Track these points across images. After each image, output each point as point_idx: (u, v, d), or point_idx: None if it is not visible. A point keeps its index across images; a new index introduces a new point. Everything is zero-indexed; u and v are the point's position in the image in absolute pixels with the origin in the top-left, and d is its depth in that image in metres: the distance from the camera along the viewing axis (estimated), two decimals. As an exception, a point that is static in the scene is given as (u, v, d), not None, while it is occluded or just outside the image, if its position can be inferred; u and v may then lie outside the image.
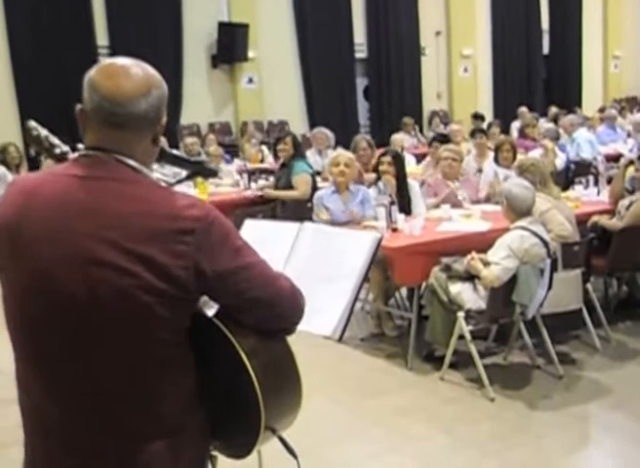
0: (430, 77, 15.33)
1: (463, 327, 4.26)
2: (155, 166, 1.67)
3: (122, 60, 1.52)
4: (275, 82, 13.14)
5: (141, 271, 1.41)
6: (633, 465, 3.50)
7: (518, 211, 4.27)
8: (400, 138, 9.39)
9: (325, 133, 9.31)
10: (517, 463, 3.53)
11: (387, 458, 3.65)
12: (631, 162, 5.39)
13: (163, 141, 1.95)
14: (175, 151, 1.89)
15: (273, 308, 1.55)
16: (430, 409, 4.17)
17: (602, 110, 12.53)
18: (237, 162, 9.52)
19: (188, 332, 1.52)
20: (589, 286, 4.89)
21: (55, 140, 1.70)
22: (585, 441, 3.84)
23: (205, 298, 1.55)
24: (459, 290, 4.36)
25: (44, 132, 1.71)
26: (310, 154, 8.91)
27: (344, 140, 10.05)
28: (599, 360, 4.73)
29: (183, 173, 1.90)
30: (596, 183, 6.40)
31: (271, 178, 7.50)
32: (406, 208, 5.44)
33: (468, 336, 4.27)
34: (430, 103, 15.38)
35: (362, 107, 14.82)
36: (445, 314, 4.45)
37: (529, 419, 4.03)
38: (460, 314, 4.27)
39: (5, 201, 1.52)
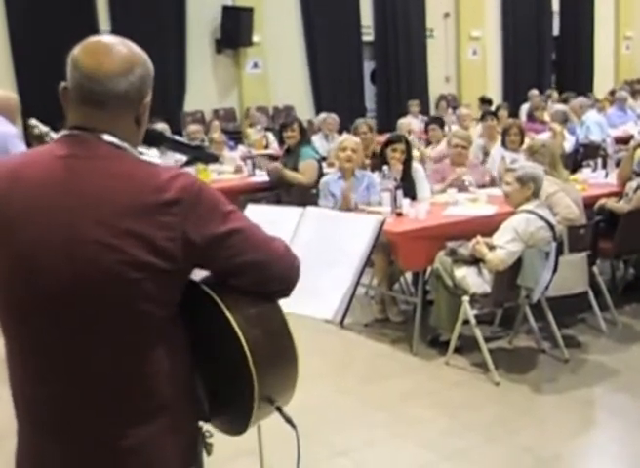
0: (438, 60, 15.20)
1: (468, 311, 4.24)
2: (156, 152, 1.66)
3: (107, 38, 1.51)
4: (280, 67, 13.03)
5: (127, 246, 1.39)
6: (638, 447, 3.48)
7: (534, 192, 4.23)
8: (407, 122, 9.32)
9: (335, 118, 9.30)
10: (522, 447, 3.52)
11: (392, 443, 3.64)
12: (640, 145, 5.34)
13: (165, 127, 1.94)
14: (175, 136, 1.87)
15: (267, 270, 1.53)
16: (435, 394, 4.16)
17: (612, 93, 12.39)
18: (241, 148, 9.46)
19: (179, 308, 1.51)
20: (596, 269, 4.86)
21: (54, 136, 1.70)
22: (591, 424, 3.83)
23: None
24: (464, 274, 4.34)
25: (44, 128, 1.73)
26: (317, 139, 8.88)
27: (351, 125, 10.00)
28: (605, 343, 4.71)
29: (184, 158, 1.89)
30: (604, 166, 6.34)
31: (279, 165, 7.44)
32: (411, 192, 5.41)
33: (473, 321, 4.25)
34: (438, 87, 15.26)
35: (369, 91, 14.72)
36: (450, 299, 4.43)
37: (534, 403, 4.02)
38: (465, 298, 4.25)
39: None
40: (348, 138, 5.55)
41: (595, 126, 8.43)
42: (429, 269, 4.73)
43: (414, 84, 14.58)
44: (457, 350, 4.54)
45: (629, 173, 5.34)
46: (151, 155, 1.61)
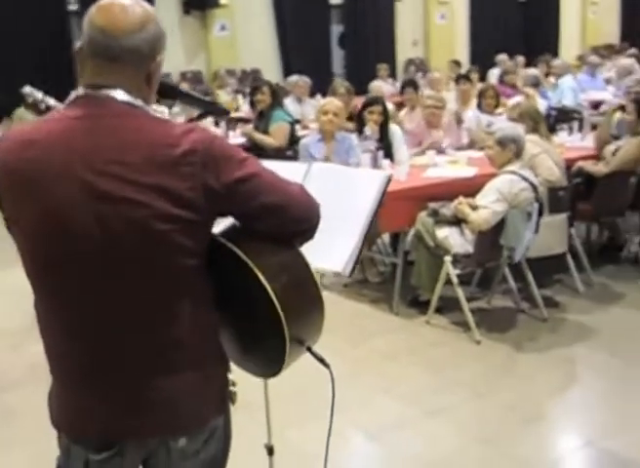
0: (406, 24, 15.11)
1: (451, 271, 4.28)
2: (165, 109, 1.66)
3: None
4: (248, 29, 12.83)
5: (152, 200, 1.42)
6: (619, 404, 3.57)
7: (517, 152, 4.25)
8: (379, 86, 9.30)
9: (306, 81, 9.21)
10: (506, 403, 3.59)
11: (378, 400, 3.68)
12: (621, 107, 5.38)
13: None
14: (191, 91, 1.88)
15: (286, 210, 1.56)
16: (418, 353, 4.22)
17: (580, 58, 12.48)
18: (212, 110, 9.31)
19: (205, 258, 1.53)
20: (573, 231, 4.93)
21: (50, 102, 1.72)
22: (572, 381, 3.91)
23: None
24: (446, 234, 4.37)
25: (39, 95, 1.74)
26: (289, 102, 8.78)
27: (318, 88, 9.97)
28: (582, 303, 4.80)
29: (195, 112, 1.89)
30: (580, 129, 6.40)
31: (249, 127, 7.35)
32: (388, 154, 5.40)
33: (455, 280, 4.29)
34: (406, 51, 15.19)
35: (336, 55, 14.60)
36: (431, 259, 4.47)
37: (515, 361, 4.09)
38: (448, 258, 4.28)
39: (4, 148, 1.51)
40: (331, 101, 5.46)
41: (570, 91, 8.48)
42: (409, 230, 4.75)
43: (382, 48, 14.48)
44: (436, 310, 4.59)
45: (607, 136, 5.40)
46: (161, 111, 1.61)
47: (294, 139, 6.62)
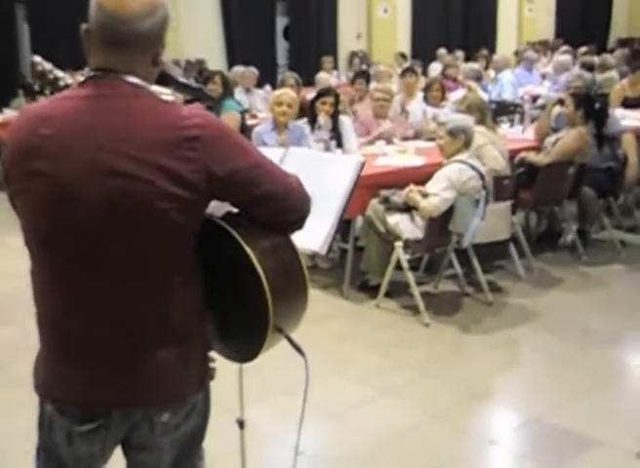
0: (349, 17, 15.25)
1: (401, 256, 4.43)
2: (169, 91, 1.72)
3: None
4: (194, 19, 12.76)
5: (156, 179, 1.47)
6: (560, 379, 3.79)
7: (467, 142, 4.43)
8: (326, 78, 9.41)
9: (254, 72, 9.28)
10: (456, 382, 3.76)
11: (332, 381, 3.77)
12: (560, 101, 5.62)
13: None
14: (180, 78, 1.95)
15: (283, 200, 1.62)
16: (369, 335, 4.36)
17: (516, 53, 12.85)
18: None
19: (197, 237, 1.59)
20: (515, 218, 5.15)
21: (59, 73, 1.75)
22: (515, 360, 4.13)
23: (213, 204, 1.60)
24: (397, 220, 4.52)
25: (48, 66, 1.76)
26: (237, 92, 8.83)
27: (263, 80, 10.06)
28: (524, 287, 5.03)
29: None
30: (521, 122, 6.65)
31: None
32: (340, 143, 5.53)
33: (406, 265, 4.44)
34: (349, 44, 15.34)
35: (281, 47, 14.65)
36: (381, 244, 4.62)
37: (463, 342, 4.28)
38: (399, 244, 4.43)
39: (16, 125, 1.56)
40: (286, 93, 5.51)
41: (509, 85, 8.78)
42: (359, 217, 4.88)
43: (325, 41, 14.60)
44: (386, 294, 4.73)
45: (547, 128, 5.64)
46: (166, 93, 1.67)
47: (244, 129, 6.69)
